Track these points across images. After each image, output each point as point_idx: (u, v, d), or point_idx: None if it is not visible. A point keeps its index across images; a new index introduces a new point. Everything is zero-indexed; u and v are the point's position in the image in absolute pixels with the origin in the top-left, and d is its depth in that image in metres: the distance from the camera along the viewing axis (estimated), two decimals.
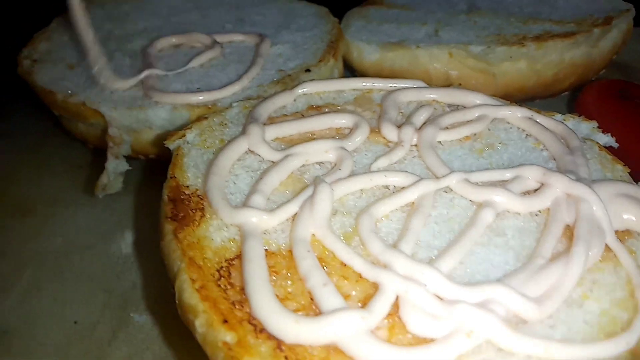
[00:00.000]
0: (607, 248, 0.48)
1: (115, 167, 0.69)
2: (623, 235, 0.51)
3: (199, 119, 0.65)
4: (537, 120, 0.65)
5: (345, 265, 0.46)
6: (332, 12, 1.02)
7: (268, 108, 0.67)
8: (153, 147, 0.74)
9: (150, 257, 0.67)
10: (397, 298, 0.43)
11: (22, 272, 0.67)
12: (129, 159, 0.74)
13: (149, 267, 0.66)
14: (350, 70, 0.98)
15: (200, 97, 0.72)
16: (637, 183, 0.57)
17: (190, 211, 0.50)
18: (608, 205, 0.51)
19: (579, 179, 0.54)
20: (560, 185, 0.52)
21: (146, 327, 0.60)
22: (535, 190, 0.55)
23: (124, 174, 0.71)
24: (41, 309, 0.63)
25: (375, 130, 0.65)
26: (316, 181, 0.53)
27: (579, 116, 0.68)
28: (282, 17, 0.97)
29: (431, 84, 0.88)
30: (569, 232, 0.50)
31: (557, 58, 0.83)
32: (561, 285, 0.44)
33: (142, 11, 0.97)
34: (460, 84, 0.77)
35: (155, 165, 0.80)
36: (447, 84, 0.88)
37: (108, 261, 0.68)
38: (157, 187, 0.66)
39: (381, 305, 0.41)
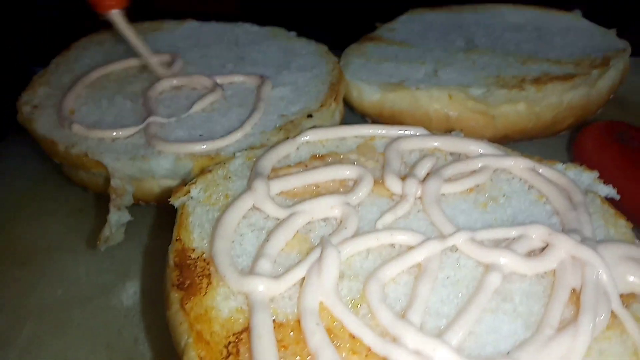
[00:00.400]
0: (613, 314, 0.49)
1: (118, 219, 0.68)
2: (628, 299, 0.51)
3: (203, 172, 0.65)
4: (540, 172, 0.66)
5: (354, 337, 0.46)
6: (331, 45, 1.03)
7: (272, 159, 0.67)
8: (155, 196, 0.74)
9: (151, 310, 0.66)
10: None
11: (21, 327, 0.66)
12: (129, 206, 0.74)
13: (150, 320, 0.66)
14: (350, 109, 0.98)
15: (204, 147, 0.72)
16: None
17: (197, 278, 0.50)
18: (613, 269, 0.51)
19: (584, 240, 0.54)
20: (565, 247, 0.52)
21: None
22: (541, 248, 0.55)
23: (125, 225, 0.71)
24: None
25: (379, 182, 0.65)
26: (323, 243, 0.53)
27: (580, 165, 0.68)
28: (282, 56, 0.97)
29: (431, 124, 0.89)
30: (575, 297, 0.50)
31: (556, 100, 0.84)
32: (569, 357, 0.44)
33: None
34: (461, 130, 0.77)
35: (156, 212, 0.79)
36: (447, 125, 0.88)
37: (109, 314, 0.67)
38: (158, 235, 0.65)
39: None
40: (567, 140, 0.94)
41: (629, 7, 1.44)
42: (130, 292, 0.70)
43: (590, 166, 0.82)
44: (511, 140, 0.90)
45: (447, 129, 0.88)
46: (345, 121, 0.95)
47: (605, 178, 0.79)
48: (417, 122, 0.90)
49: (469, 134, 0.87)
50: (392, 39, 1.07)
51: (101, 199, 0.76)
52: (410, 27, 1.11)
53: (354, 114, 1.00)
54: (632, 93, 1.11)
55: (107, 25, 1.04)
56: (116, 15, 0.83)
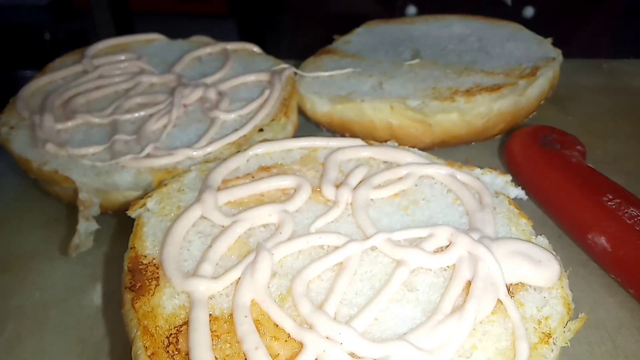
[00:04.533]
0: (500, 301, 0.57)
1: (86, 228, 0.77)
2: (517, 287, 0.60)
3: (160, 185, 0.74)
4: (458, 177, 0.74)
5: (277, 326, 0.55)
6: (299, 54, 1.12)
7: (222, 173, 0.75)
8: (120, 205, 0.82)
9: (117, 308, 0.75)
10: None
11: (4, 327, 0.75)
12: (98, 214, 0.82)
13: (116, 317, 0.73)
14: (306, 119, 1.07)
15: (162, 161, 0.80)
16: (537, 236, 0.67)
17: (146, 281, 0.58)
18: (504, 262, 0.60)
19: (482, 238, 0.63)
20: (464, 245, 0.61)
21: None
22: (447, 246, 0.64)
23: (94, 233, 0.79)
24: None
25: (316, 190, 0.74)
26: (258, 248, 0.62)
27: (495, 170, 0.77)
28: (241, 72, 1.05)
29: (376, 132, 0.98)
30: (469, 287, 0.59)
31: (486, 110, 0.92)
32: (454, 338, 0.53)
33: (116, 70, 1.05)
34: (403, 136, 0.84)
35: (122, 219, 0.87)
36: (390, 132, 0.97)
37: (82, 313, 0.76)
38: (123, 239, 0.74)
39: None
40: (499, 144, 1.03)
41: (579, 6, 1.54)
42: (100, 293, 0.79)
43: (517, 168, 0.92)
44: (449, 145, 0.99)
45: (390, 136, 0.97)
46: (300, 129, 1.04)
47: (529, 179, 0.89)
48: (364, 130, 0.99)
49: (410, 140, 0.96)
50: (346, 51, 1.15)
51: (73, 209, 0.84)
52: (364, 39, 1.20)
53: (309, 123, 1.08)
54: (571, 94, 1.21)
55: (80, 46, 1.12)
56: None
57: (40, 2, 3.31)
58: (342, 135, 1.04)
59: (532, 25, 1.18)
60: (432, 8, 1.29)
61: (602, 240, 0.76)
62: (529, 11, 1.50)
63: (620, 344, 0.70)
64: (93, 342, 0.72)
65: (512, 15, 1.24)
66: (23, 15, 3.27)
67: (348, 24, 1.28)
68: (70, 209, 0.90)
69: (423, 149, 0.83)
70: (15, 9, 3.34)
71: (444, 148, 1.00)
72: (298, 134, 1.02)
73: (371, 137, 0.98)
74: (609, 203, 0.77)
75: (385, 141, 0.83)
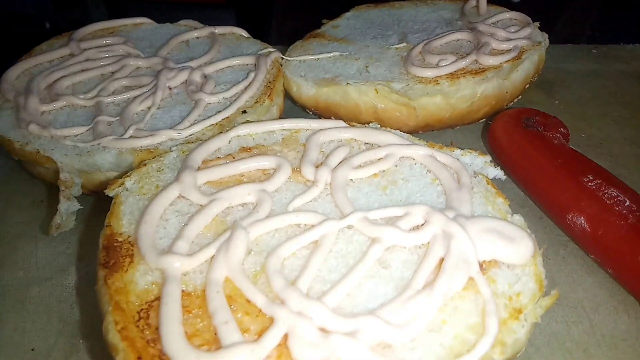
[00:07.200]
0: (473, 278, 0.58)
1: (67, 208, 0.77)
2: (490, 265, 0.60)
3: (140, 165, 0.74)
4: (437, 158, 0.74)
5: (249, 301, 0.55)
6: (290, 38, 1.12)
7: (202, 153, 0.76)
8: (103, 186, 0.82)
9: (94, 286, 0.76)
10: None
11: None
12: (82, 195, 0.82)
13: (94, 295, 0.75)
14: (293, 102, 1.07)
15: (144, 142, 0.80)
16: (513, 215, 0.67)
17: (120, 258, 0.59)
18: (478, 239, 0.60)
19: (458, 216, 0.63)
20: (438, 223, 0.62)
21: (95, 352, 0.69)
22: (423, 224, 0.64)
23: (75, 213, 0.79)
24: (3, 338, 0.71)
25: (297, 170, 0.74)
26: (234, 226, 0.62)
27: (475, 151, 0.77)
28: (228, 55, 1.05)
29: (361, 115, 0.98)
30: (442, 264, 0.59)
31: (470, 93, 0.92)
32: (423, 313, 0.53)
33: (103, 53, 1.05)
34: (379, 124, 0.84)
35: (105, 199, 0.88)
36: (375, 115, 0.97)
37: (63, 292, 0.77)
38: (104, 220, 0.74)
39: (271, 338, 0.50)
40: (483, 128, 1.03)
41: None
42: (82, 272, 0.79)
43: (499, 149, 0.92)
44: (433, 129, 0.99)
45: (375, 119, 0.97)
46: (286, 113, 1.04)
47: (511, 160, 0.89)
48: (349, 113, 0.99)
49: (395, 124, 0.96)
50: (334, 35, 1.15)
51: (56, 190, 0.84)
52: (352, 24, 1.19)
53: (296, 107, 1.08)
54: (559, 79, 1.21)
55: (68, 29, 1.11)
56: None
57: None
58: (328, 119, 1.03)
59: (520, 10, 1.17)
60: None
61: (582, 221, 0.76)
62: None
63: (597, 322, 0.71)
64: (73, 320, 0.73)
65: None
66: (23, 4, 3.26)
67: (342, 7, 1.27)
68: (53, 189, 0.91)
69: (407, 133, 0.83)
70: None
71: (429, 132, 1.00)
72: (284, 117, 1.02)
73: (356, 120, 0.97)
74: (589, 184, 0.77)
75: (368, 124, 0.83)
